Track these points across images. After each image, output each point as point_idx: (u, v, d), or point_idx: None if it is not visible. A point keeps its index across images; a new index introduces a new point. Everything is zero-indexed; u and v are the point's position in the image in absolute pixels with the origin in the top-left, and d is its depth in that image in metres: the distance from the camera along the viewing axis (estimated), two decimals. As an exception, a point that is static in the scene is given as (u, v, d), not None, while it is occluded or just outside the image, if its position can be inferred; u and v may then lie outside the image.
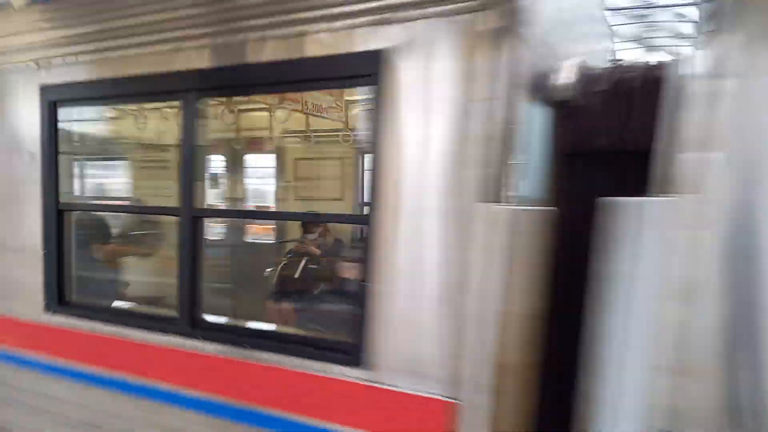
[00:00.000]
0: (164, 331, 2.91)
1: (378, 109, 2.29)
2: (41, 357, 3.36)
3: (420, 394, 2.27)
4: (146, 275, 5.05)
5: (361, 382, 2.39)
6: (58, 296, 3.30)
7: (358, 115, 5.65)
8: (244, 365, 2.68)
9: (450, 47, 2.15)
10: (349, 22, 2.34)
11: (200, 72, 2.70)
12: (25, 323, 3.42)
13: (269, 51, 2.52)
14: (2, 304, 3.54)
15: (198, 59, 2.70)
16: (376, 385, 2.36)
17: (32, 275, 3.35)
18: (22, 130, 3.36)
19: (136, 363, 3.00)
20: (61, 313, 3.29)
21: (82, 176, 5.67)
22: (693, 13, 11.62)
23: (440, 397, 2.23)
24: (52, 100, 3.25)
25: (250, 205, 7.41)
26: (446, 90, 2.17)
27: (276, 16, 2.47)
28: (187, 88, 2.74)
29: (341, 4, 2.33)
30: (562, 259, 2.35)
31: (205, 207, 3.22)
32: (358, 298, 2.41)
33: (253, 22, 2.53)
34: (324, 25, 2.39)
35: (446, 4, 2.15)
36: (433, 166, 2.21)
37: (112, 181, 6.82)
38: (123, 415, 3.08)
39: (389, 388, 2.34)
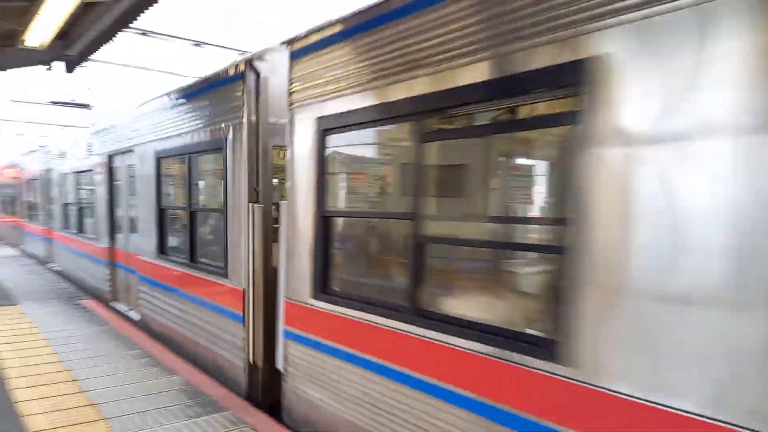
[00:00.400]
0: (181, 264, 6.31)
1: (225, 158, 5.27)
2: (152, 278, 7.12)
3: (238, 287, 5.17)
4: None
5: (226, 284, 5.38)
6: (160, 250, 6.99)
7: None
8: (192, 276, 5.90)
9: (242, 130, 5.01)
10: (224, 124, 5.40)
11: None
12: (147, 261, 7.25)
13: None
14: (141, 251, 7.44)
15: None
16: (230, 285, 5.33)
17: (152, 240, 7.12)
18: (149, 171, 7.14)
19: (182, 280, 6.47)
20: (161, 258, 6.97)
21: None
22: None
23: (242, 289, 5.09)
24: (158, 157, 6.94)
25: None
26: (245, 148, 5.02)
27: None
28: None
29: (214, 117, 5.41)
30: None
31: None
32: (224, 246, 5.41)
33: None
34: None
35: (236, 119, 5.02)
36: (241, 184, 5.09)
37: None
38: (174, 303, 6.58)
39: (232, 286, 5.28)
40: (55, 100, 23.18)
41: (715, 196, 1.95)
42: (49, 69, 8.37)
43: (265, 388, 5.06)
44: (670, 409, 2.09)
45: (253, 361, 5.03)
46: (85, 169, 10.49)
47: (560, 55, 2.42)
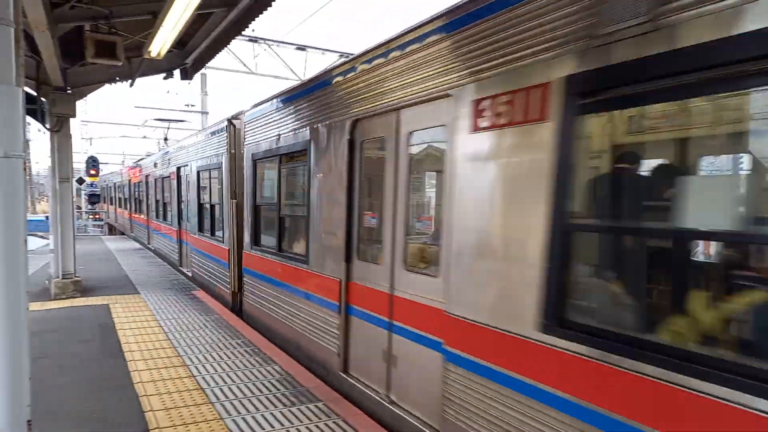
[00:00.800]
0: (207, 237, 10.22)
1: (221, 173, 9.06)
2: (195, 247, 11.12)
3: (227, 247, 8.94)
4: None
5: (223, 246, 9.18)
6: (198, 229, 10.96)
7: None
8: (211, 244, 9.76)
9: (227, 157, 8.76)
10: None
11: None
12: (194, 236, 11.27)
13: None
14: (191, 231, 11.47)
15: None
16: (224, 247, 9.11)
17: (195, 223, 11.10)
18: (194, 179, 11.12)
19: (207, 247, 10.39)
20: (198, 234, 10.93)
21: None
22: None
23: (228, 248, 8.86)
24: (198, 171, 10.91)
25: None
26: (228, 168, 8.78)
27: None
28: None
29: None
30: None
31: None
32: (222, 225, 9.20)
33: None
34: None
35: (225, 151, 8.78)
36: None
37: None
38: (204, 261, 10.50)
39: (225, 247, 9.07)
40: (159, 117, 28.65)
41: (325, 195, 5.37)
42: (168, 77, 9.37)
43: (241, 305, 8.77)
44: (324, 275, 5.50)
45: (233, 289, 8.76)
46: (166, 175, 14.89)
47: (303, 136, 5.91)
